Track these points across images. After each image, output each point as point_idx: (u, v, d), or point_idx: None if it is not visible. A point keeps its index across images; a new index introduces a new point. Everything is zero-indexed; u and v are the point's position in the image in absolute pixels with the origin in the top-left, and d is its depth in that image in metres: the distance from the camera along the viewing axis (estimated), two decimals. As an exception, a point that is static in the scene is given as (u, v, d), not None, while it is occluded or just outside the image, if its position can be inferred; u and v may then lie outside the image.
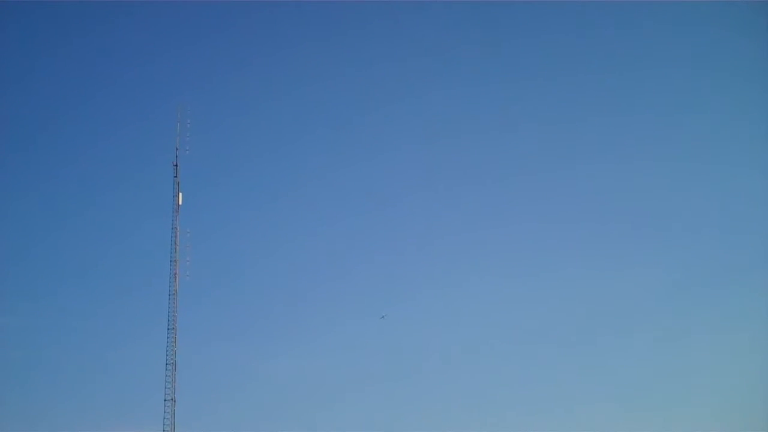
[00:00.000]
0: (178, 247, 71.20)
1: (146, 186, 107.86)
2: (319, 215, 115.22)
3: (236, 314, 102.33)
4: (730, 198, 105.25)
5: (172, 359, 68.67)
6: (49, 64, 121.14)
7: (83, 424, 77.92)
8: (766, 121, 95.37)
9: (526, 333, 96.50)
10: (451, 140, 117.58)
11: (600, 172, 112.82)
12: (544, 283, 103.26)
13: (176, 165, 73.65)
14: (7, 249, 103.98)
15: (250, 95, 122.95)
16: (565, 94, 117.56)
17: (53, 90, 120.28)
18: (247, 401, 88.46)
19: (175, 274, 70.53)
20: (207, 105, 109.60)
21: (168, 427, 67.63)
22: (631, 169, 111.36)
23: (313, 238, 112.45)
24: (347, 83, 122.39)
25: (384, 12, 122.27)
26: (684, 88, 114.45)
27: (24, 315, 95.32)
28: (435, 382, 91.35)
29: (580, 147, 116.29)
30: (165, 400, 68.16)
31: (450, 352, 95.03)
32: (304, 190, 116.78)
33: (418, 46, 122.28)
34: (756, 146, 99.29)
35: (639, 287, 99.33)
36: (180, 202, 72.51)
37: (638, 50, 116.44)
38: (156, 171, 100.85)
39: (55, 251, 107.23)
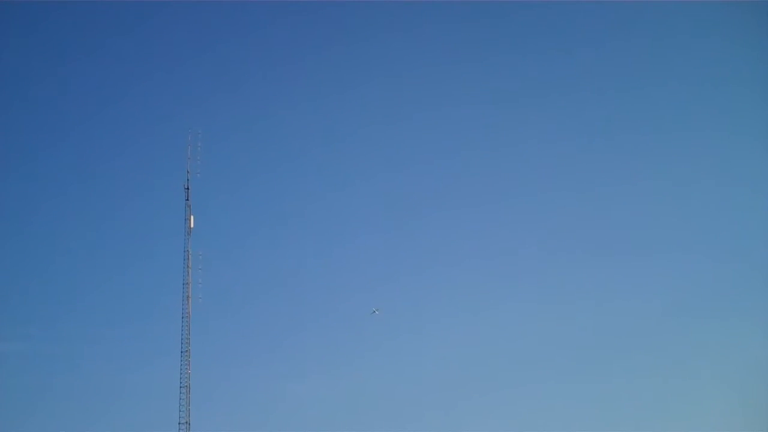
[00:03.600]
0: (190, 270, 71.42)
1: (158, 209, 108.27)
2: (332, 235, 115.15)
3: (250, 336, 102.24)
4: (727, 219, 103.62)
5: (185, 382, 68.61)
6: (59, 88, 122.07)
7: (97, 448, 78.08)
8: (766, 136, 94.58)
9: (522, 359, 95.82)
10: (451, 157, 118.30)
11: (590, 194, 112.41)
12: (536, 309, 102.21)
13: (188, 188, 73.98)
14: (17, 274, 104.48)
15: (262, 117, 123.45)
16: (555, 108, 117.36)
17: (64, 113, 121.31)
18: (262, 424, 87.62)
19: (188, 296, 70.68)
20: (218, 128, 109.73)
21: (182, 451, 67.55)
22: (623, 192, 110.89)
23: (327, 259, 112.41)
24: (360, 103, 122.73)
25: (399, 21, 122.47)
26: (678, 100, 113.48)
27: (35, 340, 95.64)
28: (451, 404, 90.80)
29: (569, 165, 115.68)
30: (179, 424, 67.94)
31: (460, 379, 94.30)
32: (318, 210, 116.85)
33: (430, 56, 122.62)
34: (754, 164, 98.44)
35: (635, 313, 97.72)
36: (192, 225, 72.81)
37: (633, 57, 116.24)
38: (167, 194, 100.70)
39: (66, 275, 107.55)
